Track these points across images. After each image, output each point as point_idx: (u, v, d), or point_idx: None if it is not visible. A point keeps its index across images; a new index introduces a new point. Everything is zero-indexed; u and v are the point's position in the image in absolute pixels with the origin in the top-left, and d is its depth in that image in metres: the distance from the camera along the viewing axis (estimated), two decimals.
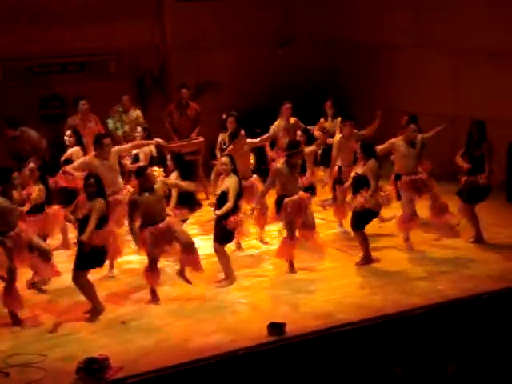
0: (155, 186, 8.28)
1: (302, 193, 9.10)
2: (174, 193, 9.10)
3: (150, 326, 7.85)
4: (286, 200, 8.96)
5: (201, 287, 8.71)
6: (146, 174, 8.28)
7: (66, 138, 9.98)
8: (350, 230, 9.66)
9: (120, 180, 9.31)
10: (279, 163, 9.14)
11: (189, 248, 8.32)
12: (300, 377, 7.23)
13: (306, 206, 9.06)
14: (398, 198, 9.68)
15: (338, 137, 10.30)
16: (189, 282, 8.51)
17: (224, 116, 10.69)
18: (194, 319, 7.96)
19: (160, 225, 8.21)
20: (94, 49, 12.61)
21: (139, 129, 10.44)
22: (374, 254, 9.41)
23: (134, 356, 7.15)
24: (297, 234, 9.08)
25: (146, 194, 8.22)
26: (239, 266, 9.18)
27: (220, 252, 8.79)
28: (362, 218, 9.16)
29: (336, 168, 10.30)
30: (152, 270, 8.28)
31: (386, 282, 8.75)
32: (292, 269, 9.07)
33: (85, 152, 9.88)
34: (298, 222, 9.04)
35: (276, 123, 10.72)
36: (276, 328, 7.46)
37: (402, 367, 7.41)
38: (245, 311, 8.15)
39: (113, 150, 9.27)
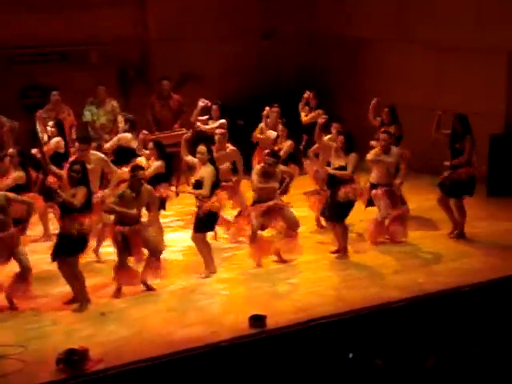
0: (142, 189, 8.24)
1: (274, 201, 8.92)
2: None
3: (131, 317, 7.83)
4: (251, 208, 8.91)
5: (182, 279, 8.71)
6: (137, 175, 8.22)
7: (48, 128, 9.93)
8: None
9: (97, 185, 9.14)
10: (258, 166, 9.09)
11: (155, 255, 8.31)
12: (281, 369, 7.24)
13: (279, 212, 8.95)
14: (368, 204, 9.59)
15: (327, 138, 9.97)
16: (152, 289, 8.43)
17: (209, 104, 10.66)
18: (175, 311, 7.95)
19: (130, 227, 8.16)
20: (75, 38, 12.50)
21: (120, 118, 10.36)
22: (354, 247, 9.44)
23: (115, 347, 7.12)
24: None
25: (131, 193, 8.19)
26: (220, 258, 9.18)
27: (198, 241, 8.79)
28: (345, 210, 9.16)
29: (314, 168, 10.24)
30: (121, 270, 8.24)
31: (365, 275, 8.79)
32: (258, 263, 9.02)
33: (66, 142, 9.82)
34: (269, 227, 9.01)
35: (261, 125, 10.55)
36: (257, 320, 7.47)
37: (382, 360, 7.45)
38: (226, 303, 8.15)
39: (100, 157, 9.21)
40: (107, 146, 10.17)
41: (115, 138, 10.15)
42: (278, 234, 9.23)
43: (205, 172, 8.64)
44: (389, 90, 12.62)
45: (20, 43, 12.22)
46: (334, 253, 9.38)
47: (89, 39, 12.65)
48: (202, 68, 13.05)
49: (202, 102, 10.54)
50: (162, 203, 9.25)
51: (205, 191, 8.57)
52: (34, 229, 9.66)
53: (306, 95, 10.98)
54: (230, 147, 9.75)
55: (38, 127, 10.26)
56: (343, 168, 9.09)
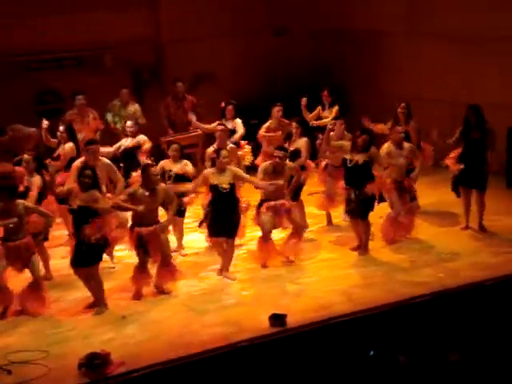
0: (157, 188, 8.24)
1: (283, 200, 8.86)
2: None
3: (151, 319, 7.83)
4: (264, 206, 8.82)
5: (200, 280, 8.70)
6: (148, 172, 8.21)
7: (58, 133, 9.91)
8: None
9: (104, 189, 8.93)
10: (267, 162, 9.04)
11: (167, 260, 8.30)
12: (302, 367, 7.22)
13: (287, 213, 8.87)
14: (380, 199, 9.41)
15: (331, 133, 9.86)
16: (167, 293, 8.40)
17: (223, 104, 10.64)
18: (195, 312, 7.94)
19: (148, 228, 8.14)
20: (89, 43, 12.53)
21: (129, 123, 10.31)
22: (374, 244, 9.39)
23: (136, 350, 7.13)
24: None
25: (143, 192, 8.18)
26: (240, 258, 9.13)
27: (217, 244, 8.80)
28: (368, 206, 9.09)
29: (323, 164, 10.14)
30: (140, 272, 8.23)
31: (385, 272, 8.73)
32: (264, 265, 8.96)
33: (78, 148, 9.78)
34: (275, 227, 8.95)
35: (266, 125, 10.48)
36: (277, 319, 7.45)
37: (405, 356, 7.40)
38: (246, 303, 8.14)
39: (107, 163, 9.11)
40: (114, 147, 10.17)
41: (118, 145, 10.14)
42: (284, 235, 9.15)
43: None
44: (401, 82, 12.54)
45: (34, 49, 12.25)
46: (354, 249, 9.33)
47: (102, 43, 12.66)
48: (215, 68, 13.04)
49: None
50: (182, 212, 9.24)
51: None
52: (52, 234, 9.66)
53: (303, 102, 10.85)
54: (229, 145, 9.72)
55: (43, 135, 10.22)
56: (367, 163, 8.98)
